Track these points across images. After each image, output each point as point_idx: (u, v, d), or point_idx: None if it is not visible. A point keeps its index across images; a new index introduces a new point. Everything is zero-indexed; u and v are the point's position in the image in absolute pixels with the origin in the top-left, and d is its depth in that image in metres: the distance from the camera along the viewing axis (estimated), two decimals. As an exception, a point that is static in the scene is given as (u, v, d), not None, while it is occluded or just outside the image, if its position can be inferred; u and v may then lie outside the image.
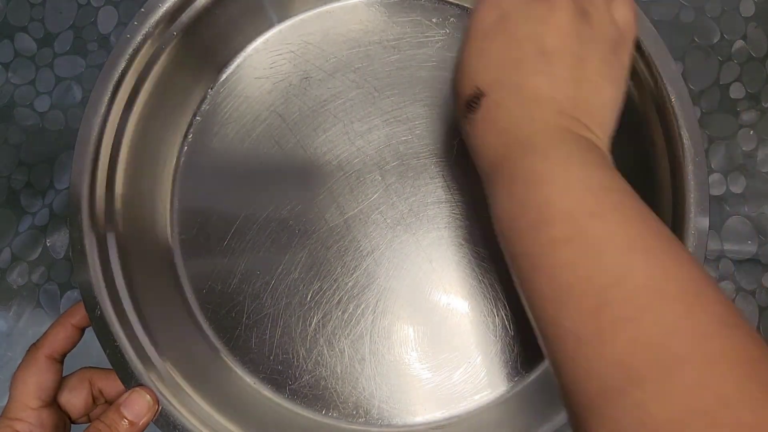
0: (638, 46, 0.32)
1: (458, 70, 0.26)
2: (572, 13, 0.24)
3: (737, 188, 0.40)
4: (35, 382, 0.29)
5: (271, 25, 0.37)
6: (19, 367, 0.30)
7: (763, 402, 0.17)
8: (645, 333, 0.18)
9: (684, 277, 0.19)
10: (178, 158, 0.36)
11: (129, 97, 0.33)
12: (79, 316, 0.31)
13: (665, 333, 0.18)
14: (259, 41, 0.37)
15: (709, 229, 0.30)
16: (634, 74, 0.33)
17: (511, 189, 0.23)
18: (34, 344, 0.31)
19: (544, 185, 0.22)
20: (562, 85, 0.24)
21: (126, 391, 0.29)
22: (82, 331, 0.32)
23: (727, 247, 0.39)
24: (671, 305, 0.19)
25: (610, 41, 0.25)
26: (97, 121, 0.32)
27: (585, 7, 0.25)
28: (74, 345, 0.31)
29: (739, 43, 0.41)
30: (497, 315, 0.34)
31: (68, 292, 0.40)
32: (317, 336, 0.34)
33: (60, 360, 0.31)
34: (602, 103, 0.25)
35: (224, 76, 0.37)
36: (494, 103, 0.24)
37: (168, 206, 0.36)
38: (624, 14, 0.26)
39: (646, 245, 0.20)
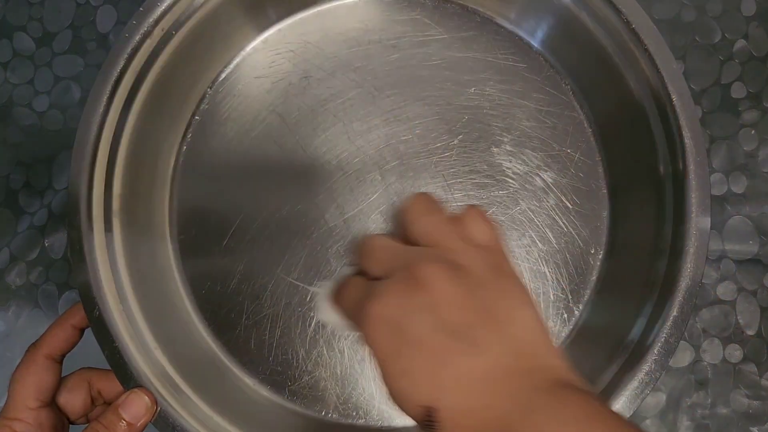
0: (640, 45, 0.32)
1: (395, 399, 0.24)
2: (448, 277, 0.24)
3: (738, 188, 0.39)
4: (34, 382, 0.29)
5: (270, 24, 0.37)
6: (18, 367, 0.30)
7: None
8: None
9: None
10: (177, 158, 0.36)
11: (128, 97, 0.33)
12: (79, 316, 0.31)
13: None
14: (259, 40, 0.37)
15: (711, 229, 0.30)
16: (636, 73, 0.33)
17: None
18: (33, 344, 0.30)
19: None
20: (491, 348, 0.23)
21: (125, 392, 0.29)
22: (82, 331, 0.31)
23: (728, 247, 0.39)
24: None
25: (492, 273, 0.25)
26: (96, 120, 0.31)
27: (451, 259, 0.24)
28: (73, 345, 0.31)
29: (740, 43, 0.41)
30: (498, 315, 0.34)
31: (66, 292, 0.40)
32: (317, 337, 0.34)
33: (59, 360, 0.31)
34: (530, 329, 0.24)
35: (223, 75, 0.37)
36: (449, 412, 0.23)
37: (167, 206, 0.36)
38: (482, 233, 0.26)
39: None
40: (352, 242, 0.26)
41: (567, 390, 0.23)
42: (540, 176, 0.35)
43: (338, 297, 0.26)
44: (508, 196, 0.35)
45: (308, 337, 0.34)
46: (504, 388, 0.23)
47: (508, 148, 0.36)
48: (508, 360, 0.23)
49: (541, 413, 0.22)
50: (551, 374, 0.23)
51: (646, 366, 0.29)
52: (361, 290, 0.26)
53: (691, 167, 0.30)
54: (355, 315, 0.25)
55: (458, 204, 0.35)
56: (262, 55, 0.37)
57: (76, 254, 0.30)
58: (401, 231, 0.28)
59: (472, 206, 0.27)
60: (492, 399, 0.23)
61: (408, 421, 0.33)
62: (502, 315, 0.24)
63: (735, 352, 0.38)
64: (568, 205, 0.35)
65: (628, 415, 0.28)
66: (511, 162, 0.35)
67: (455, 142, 0.35)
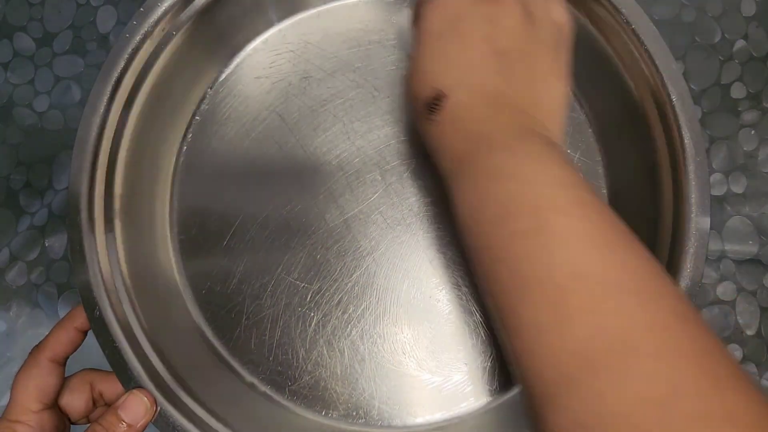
0: (640, 46, 0.32)
1: (415, 73, 0.26)
2: (520, 13, 0.26)
3: (738, 188, 0.39)
4: (37, 385, 0.29)
5: (270, 25, 0.37)
6: (20, 369, 0.30)
7: (713, 392, 0.17)
8: (603, 324, 0.19)
9: (642, 272, 0.20)
10: (177, 158, 0.36)
11: (128, 97, 0.33)
12: (82, 318, 0.31)
13: (622, 324, 0.19)
14: (259, 40, 0.37)
15: (711, 229, 0.30)
16: (636, 73, 0.33)
17: (476, 184, 0.24)
18: (36, 346, 0.31)
19: (508, 180, 0.23)
20: (519, 84, 0.25)
21: (125, 392, 0.29)
22: (85, 333, 0.31)
23: (728, 247, 0.39)
24: (629, 298, 0.19)
25: (554, 40, 0.26)
26: (96, 121, 0.31)
27: (529, 9, 0.26)
28: (76, 348, 0.31)
29: (740, 43, 0.41)
30: (498, 315, 0.34)
31: (66, 292, 0.40)
32: (317, 337, 0.34)
33: (62, 363, 0.31)
34: (554, 100, 0.26)
35: (223, 75, 0.37)
36: (456, 104, 0.25)
37: (167, 206, 0.36)
38: (559, 14, 0.27)
39: (606, 240, 0.21)
40: None
41: (553, 148, 0.24)
42: (540, 176, 0.35)
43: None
44: (508, 197, 0.35)
45: (308, 337, 0.34)
46: (510, 115, 0.24)
47: (508, 148, 0.35)
48: (524, 104, 0.25)
49: (528, 144, 0.24)
50: (549, 135, 0.25)
51: (646, 366, 0.29)
52: None
53: (691, 167, 0.30)
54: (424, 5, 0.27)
55: (458, 204, 0.35)
56: (262, 56, 0.37)
57: (77, 254, 0.30)
58: None
59: None
60: (495, 115, 0.24)
61: (408, 421, 0.33)
62: (540, 70, 0.26)
63: (735, 353, 0.38)
64: (568, 205, 0.35)
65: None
66: (511, 162, 0.35)
67: (455, 142, 0.35)
